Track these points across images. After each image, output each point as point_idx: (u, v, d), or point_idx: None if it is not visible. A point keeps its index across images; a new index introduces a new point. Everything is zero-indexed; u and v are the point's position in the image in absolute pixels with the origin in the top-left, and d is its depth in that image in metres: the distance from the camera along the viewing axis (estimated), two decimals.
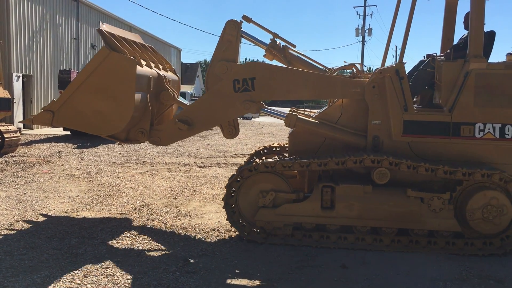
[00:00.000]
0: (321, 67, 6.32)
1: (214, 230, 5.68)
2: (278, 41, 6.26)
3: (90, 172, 9.24)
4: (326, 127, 5.58)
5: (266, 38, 6.42)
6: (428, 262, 4.81)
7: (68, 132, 16.04)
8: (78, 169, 9.47)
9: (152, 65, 6.32)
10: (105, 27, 5.69)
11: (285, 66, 6.05)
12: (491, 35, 5.88)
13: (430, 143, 5.28)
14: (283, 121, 5.66)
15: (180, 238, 5.29)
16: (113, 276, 4.18)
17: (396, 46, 48.04)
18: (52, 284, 3.96)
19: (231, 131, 5.90)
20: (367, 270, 4.56)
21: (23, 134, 15.57)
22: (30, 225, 5.57)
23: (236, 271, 4.43)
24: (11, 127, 11.24)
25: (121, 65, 5.37)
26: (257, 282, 4.19)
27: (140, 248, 4.95)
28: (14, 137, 11.14)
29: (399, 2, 5.60)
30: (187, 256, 4.73)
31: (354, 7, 59.71)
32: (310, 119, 5.71)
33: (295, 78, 5.56)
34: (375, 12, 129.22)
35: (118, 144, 13.60)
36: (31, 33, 18.75)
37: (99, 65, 5.39)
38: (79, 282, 4.02)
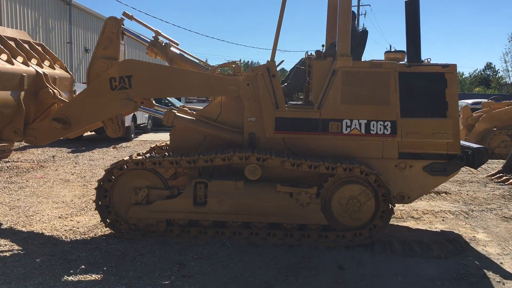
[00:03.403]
0: (204, 65, 6.45)
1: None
2: (161, 38, 6.28)
3: (84, 176, 9.17)
4: (203, 124, 5.62)
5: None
6: (425, 261, 4.79)
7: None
8: (72, 174, 9.40)
9: (34, 62, 6.16)
10: None
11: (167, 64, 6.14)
12: (364, 34, 6.17)
13: (303, 139, 5.37)
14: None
15: (175, 241, 5.24)
16: (108, 281, 4.13)
17: (390, 45, 48.26)
18: None
19: (114, 129, 5.82)
20: (364, 270, 4.53)
21: None
22: (23, 231, 5.50)
23: (232, 274, 4.39)
24: None
25: None
26: (253, 285, 4.15)
27: (135, 252, 4.89)
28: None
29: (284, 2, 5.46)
30: (182, 260, 4.69)
31: None
32: (188, 117, 5.73)
33: (172, 76, 5.59)
34: (369, 11, 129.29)
35: (112, 148, 13.53)
36: None
37: None
38: None
